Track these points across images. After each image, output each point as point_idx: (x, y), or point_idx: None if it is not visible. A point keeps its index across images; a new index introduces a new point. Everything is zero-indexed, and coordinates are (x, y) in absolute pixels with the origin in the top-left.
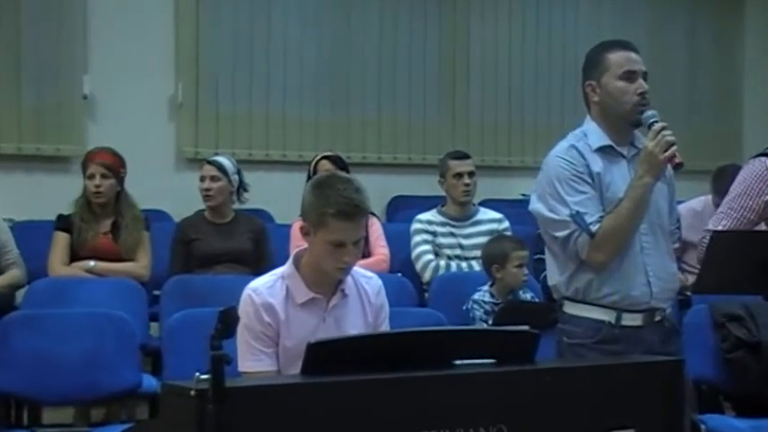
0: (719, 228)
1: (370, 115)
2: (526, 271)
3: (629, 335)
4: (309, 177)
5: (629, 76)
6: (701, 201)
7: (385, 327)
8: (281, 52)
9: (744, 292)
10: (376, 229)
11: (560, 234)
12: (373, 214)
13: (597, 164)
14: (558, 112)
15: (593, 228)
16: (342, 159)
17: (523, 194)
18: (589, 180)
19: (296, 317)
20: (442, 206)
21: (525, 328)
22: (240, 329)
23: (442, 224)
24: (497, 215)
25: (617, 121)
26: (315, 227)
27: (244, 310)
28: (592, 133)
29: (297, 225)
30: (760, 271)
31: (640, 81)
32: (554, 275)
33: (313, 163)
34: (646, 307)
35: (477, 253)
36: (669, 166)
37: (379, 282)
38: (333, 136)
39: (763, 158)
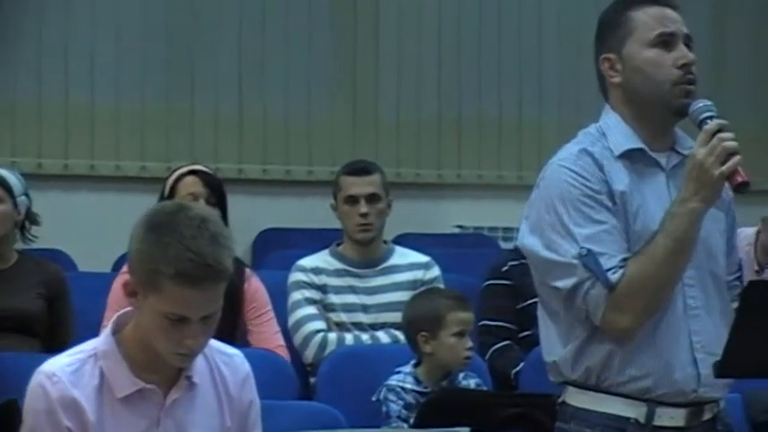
0: None
1: (227, 106)
2: (470, 343)
3: None
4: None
5: (666, 40)
6: (743, 237)
7: None
8: (88, 7)
9: None
10: (260, 297)
11: (563, 284)
12: (242, 264)
13: (622, 178)
14: (515, 101)
15: (613, 276)
16: (215, 177)
17: (460, 226)
18: (609, 203)
19: (115, 418)
20: (338, 245)
21: (465, 430)
22: None
23: (337, 273)
24: (422, 258)
25: (650, 111)
26: (145, 288)
27: (30, 406)
28: (613, 131)
29: (121, 281)
30: None
31: (682, 48)
32: (553, 348)
33: (170, 182)
34: (691, 398)
35: (389, 317)
36: (728, 187)
37: (246, 366)
38: (167, 137)
39: None
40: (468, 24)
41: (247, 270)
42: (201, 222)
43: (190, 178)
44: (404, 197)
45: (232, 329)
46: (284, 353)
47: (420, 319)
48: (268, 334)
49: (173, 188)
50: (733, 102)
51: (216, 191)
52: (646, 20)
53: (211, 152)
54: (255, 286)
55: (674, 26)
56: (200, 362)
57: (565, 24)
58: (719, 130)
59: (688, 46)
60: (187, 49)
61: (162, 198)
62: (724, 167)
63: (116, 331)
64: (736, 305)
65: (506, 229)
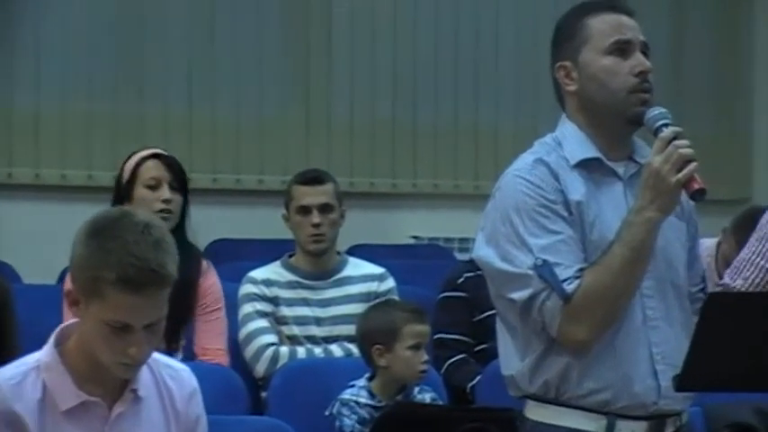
0: (737, 284)
1: (177, 111)
2: (426, 357)
3: None
4: (118, 195)
5: (622, 48)
6: (704, 248)
7: None
8: (33, 10)
9: (754, 389)
10: (214, 293)
11: (518, 296)
12: (199, 254)
13: (578, 187)
14: (471, 109)
15: (569, 287)
16: (178, 162)
17: (416, 237)
18: (564, 213)
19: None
20: (290, 256)
21: None
22: None
23: (289, 285)
24: (376, 270)
25: (606, 120)
26: (87, 296)
27: None
28: (569, 140)
29: (66, 289)
30: None
31: (638, 55)
32: (511, 361)
33: (131, 166)
34: (652, 411)
35: (343, 330)
36: (685, 195)
37: (194, 381)
38: (115, 142)
39: None
40: (423, 31)
41: (205, 262)
42: (145, 228)
43: (152, 162)
44: (357, 207)
45: (180, 324)
46: (223, 358)
47: (375, 332)
48: (212, 334)
49: (133, 173)
50: (691, 109)
51: (179, 175)
52: (602, 27)
53: None
54: (211, 281)
55: (631, 33)
56: (145, 375)
57: (522, 32)
58: (675, 138)
59: (645, 54)
60: (135, 57)
61: (119, 184)
62: (680, 175)
63: (59, 343)
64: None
65: (462, 240)
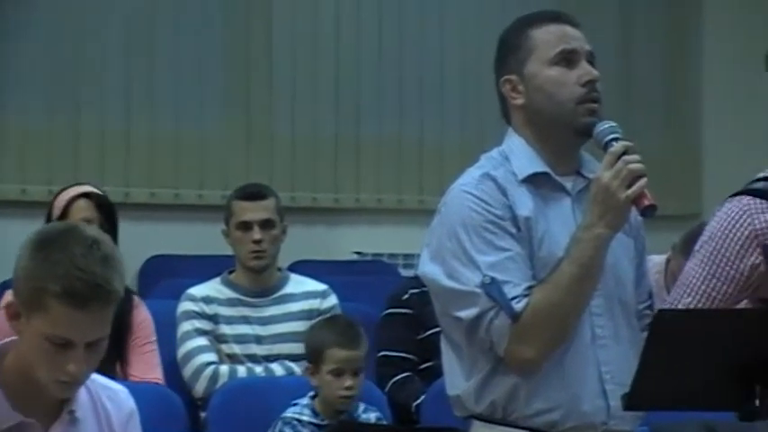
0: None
1: (113, 125)
2: (349, 383)
3: None
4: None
5: (568, 58)
6: (653, 264)
7: None
8: None
9: (704, 408)
10: (146, 328)
11: (465, 314)
12: (130, 291)
13: (526, 203)
14: (415, 123)
15: (518, 305)
16: (109, 201)
17: (359, 252)
18: (512, 229)
19: None
20: (230, 273)
21: None
22: None
23: (230, 302)
24: (319, 286)
25: (554, 132)
26: (29, 308)
27: None
28: (517, 155)
29: (5, 302)
30: (728, 372)
31: (584, 65)
32: (457, 381)
33: (61, 204)
34: (601, 431)
35: (284, 348)
36: (635, 211)
37: (131, 402)
38: (49, 157)
39: (746, 199)
40: (366, 43)
41: (135, 298)
42: (93, 242)
43: (83, 201)
44: (299, 222)
45: (115, 358)
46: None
47: (308, 351)
48: (147, 366)
49: (64, 211)
50: (640, 122)
51: (109, 215)
52: (546, 38)
53: (96, 174)
54: (143, 316)
55: (576, 43)
56: (83, 396)
57: (467, 45)
58: (625, 153)
59: (591, 63)
60: (71, 65)
61: (49, 221)
62: (630, 191)
63: None
64: (644, 334)
65: (407, 256)
